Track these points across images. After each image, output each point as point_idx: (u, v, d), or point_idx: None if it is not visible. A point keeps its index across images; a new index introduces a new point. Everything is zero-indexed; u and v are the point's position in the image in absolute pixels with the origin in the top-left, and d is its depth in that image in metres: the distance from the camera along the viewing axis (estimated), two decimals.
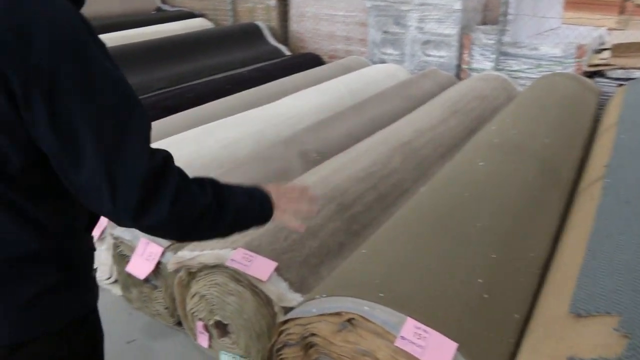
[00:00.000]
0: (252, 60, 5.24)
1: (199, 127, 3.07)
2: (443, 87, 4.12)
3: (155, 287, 2.24)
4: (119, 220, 0.98)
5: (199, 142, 2.89)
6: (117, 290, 2.46)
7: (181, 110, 3.56)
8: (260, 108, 3.46)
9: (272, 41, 5.75)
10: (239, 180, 2.52)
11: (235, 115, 3.32)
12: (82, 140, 0.88)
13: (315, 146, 2.97)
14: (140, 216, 0.95)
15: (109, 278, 2.50)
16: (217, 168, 2.79)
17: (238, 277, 1.87)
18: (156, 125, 3.24)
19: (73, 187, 0.94)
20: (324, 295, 1.59)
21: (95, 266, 1.19)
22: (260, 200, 1.25)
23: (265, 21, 5.89)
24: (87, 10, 0.96)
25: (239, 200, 1.16)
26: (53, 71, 0.84)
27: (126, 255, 2.24)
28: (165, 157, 0.99)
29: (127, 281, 2.33)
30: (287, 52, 5.64)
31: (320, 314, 1.55)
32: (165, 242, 2.14)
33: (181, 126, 3.17)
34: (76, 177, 0.91)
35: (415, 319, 1.44)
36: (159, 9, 6.87)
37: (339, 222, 2.20)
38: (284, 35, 5.91)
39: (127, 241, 2.21)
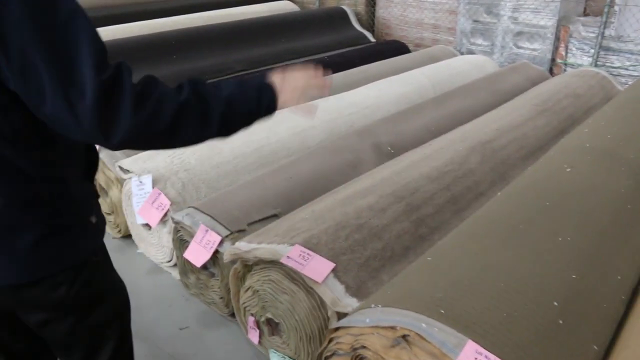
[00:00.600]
0: (336, 45, 5.14)
1: None
2: (534, 83, 3.86)
3: (213, 275, 2.20)
4: (98, 141, 0.98)
5: (269, 128, 2.82)
6: (177, 274, 2.44)
7: None
8: (335, 96, 3.35)
9: (358, 27, 5.62)
10: (307, 169, 2.46)
11: (309, 103, 3.22)
12: (38, 71, 0.89)
13: (389, 139, 2.83)
14: (109, 132, 0.95)
15: (169, 261, 2.49)
16: (285, 156, 2.71)
17: (293, 275, 1.78)
18: None
19: (47, 120, 0.95)
20: (380, 305, 1.47)
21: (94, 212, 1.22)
22: (257, 87, 1.18)
23: (352, 6, 5.76)
24: None
25: (227, 92, 1.11)
26: None
27: (186, 240, 2.20)
28: (116, 68, 0.96)
29: (185, 267, 2.30)
30: (372, 39, 5.51)
31: (373, 325, 1.43)
32: (224, 231, 2.08)
33: None
34: (45, 109, 0.93)
35: (477, 342, 1.30)
36: None
37: (406, 223, 2.07)
38: (370, 21, 5.77)
39: (187, 227, 2.17)
